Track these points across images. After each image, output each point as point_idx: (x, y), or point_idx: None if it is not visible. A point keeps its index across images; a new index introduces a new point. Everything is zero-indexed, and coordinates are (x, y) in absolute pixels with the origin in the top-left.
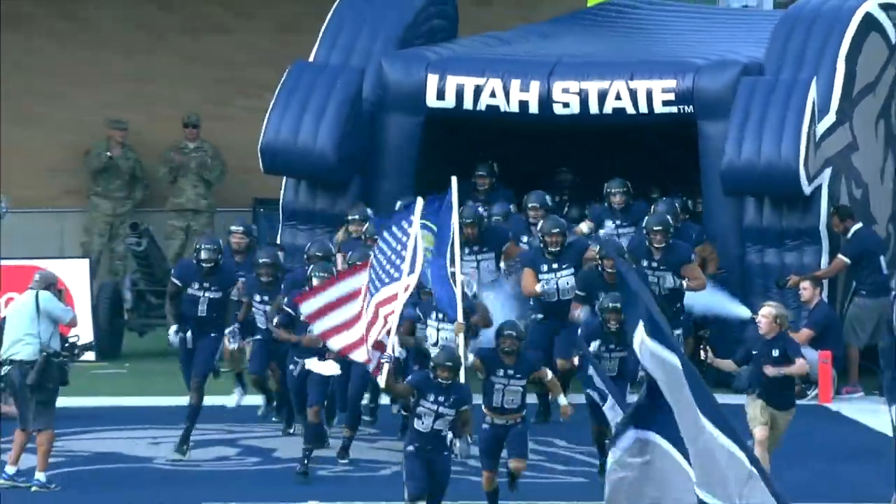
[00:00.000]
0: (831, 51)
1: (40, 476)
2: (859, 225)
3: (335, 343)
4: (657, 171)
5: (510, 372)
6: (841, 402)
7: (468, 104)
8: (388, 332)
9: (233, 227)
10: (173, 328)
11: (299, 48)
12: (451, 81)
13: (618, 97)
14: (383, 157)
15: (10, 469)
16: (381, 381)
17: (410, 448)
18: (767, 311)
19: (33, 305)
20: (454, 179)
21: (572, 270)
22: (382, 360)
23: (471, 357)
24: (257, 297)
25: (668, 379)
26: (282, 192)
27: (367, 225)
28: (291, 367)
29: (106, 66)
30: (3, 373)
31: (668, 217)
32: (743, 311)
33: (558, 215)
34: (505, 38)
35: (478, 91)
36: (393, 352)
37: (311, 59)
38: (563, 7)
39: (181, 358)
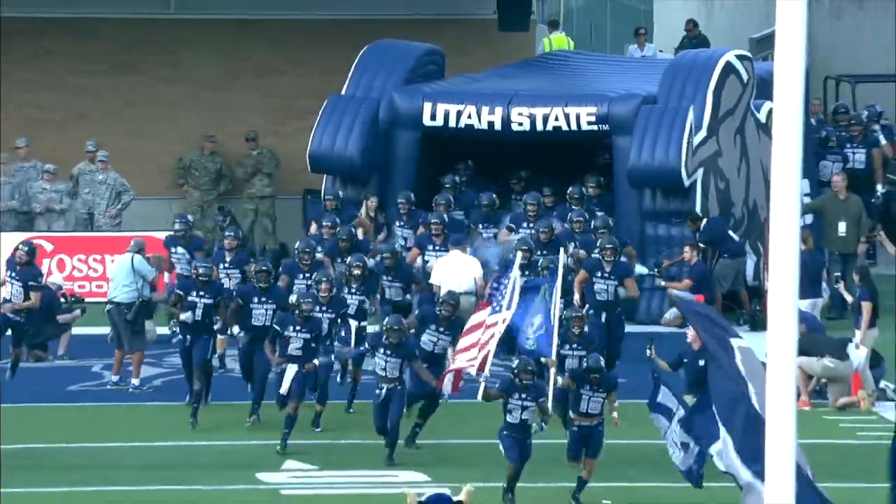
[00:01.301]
0: (703, 87)
1: (135, 381)
2: (705, 220)
3: (457, 361)
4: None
5: (594, 387)
6: None
7: (452, 123)
8: (488, 355)
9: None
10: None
11: (334, 85)
12: (440, 107)
13: (556, 119)
14: (393, 160)
15: (114, 377)
16: (446, 389)
17: (505, 432)
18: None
19: (129, 264)
20: (563, 252)
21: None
22: (481, 380)
23: (560, 380)
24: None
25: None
26: (323, 184)
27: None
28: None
29: (198, 98)
30: (107, 309)
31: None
32: (641, 269)
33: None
34: (477, 77)
35: (458, 114)
36: (487, 373)
37: (343, 92)
38: (518, 57)
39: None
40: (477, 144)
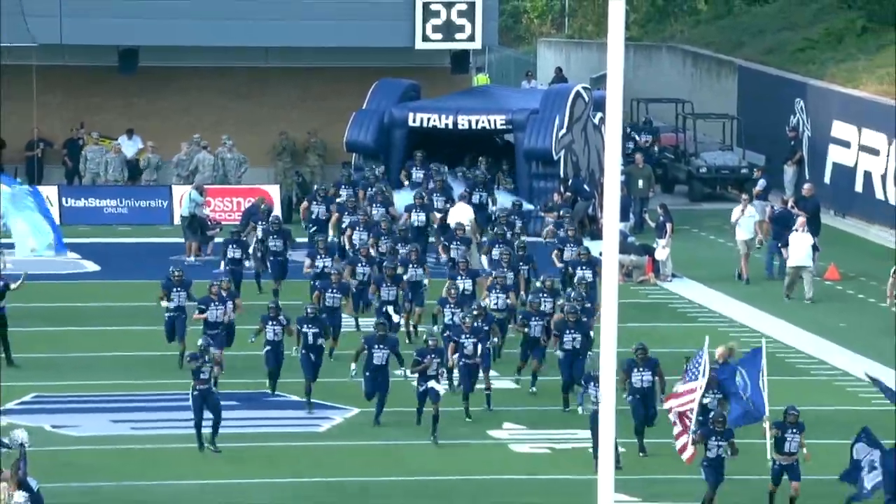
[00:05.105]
0: (564, 104)
1: (190, 258)
2: (570, 180)
3: (670, 403)
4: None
5: (794, 431)
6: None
7: (425, 125)
8: (691, 411)
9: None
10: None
11: (359, 104)
12: (419, 116)
13: (483, 122)
14: (392, 146)
15: (188, 258)
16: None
17: (705, 464)
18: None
19: (188, 196)
20: (762, 343)
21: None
22: (692, 435)
23: (769, 429)
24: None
25: None
26: (353, 159)
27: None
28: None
29: (282, 112)
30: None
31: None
32: (528, 205)
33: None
34: (439, 99)
35: (429, 119)
36: (694, 426)
37: (364, 107)
38: (461, 88)
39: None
40: (437, 137)
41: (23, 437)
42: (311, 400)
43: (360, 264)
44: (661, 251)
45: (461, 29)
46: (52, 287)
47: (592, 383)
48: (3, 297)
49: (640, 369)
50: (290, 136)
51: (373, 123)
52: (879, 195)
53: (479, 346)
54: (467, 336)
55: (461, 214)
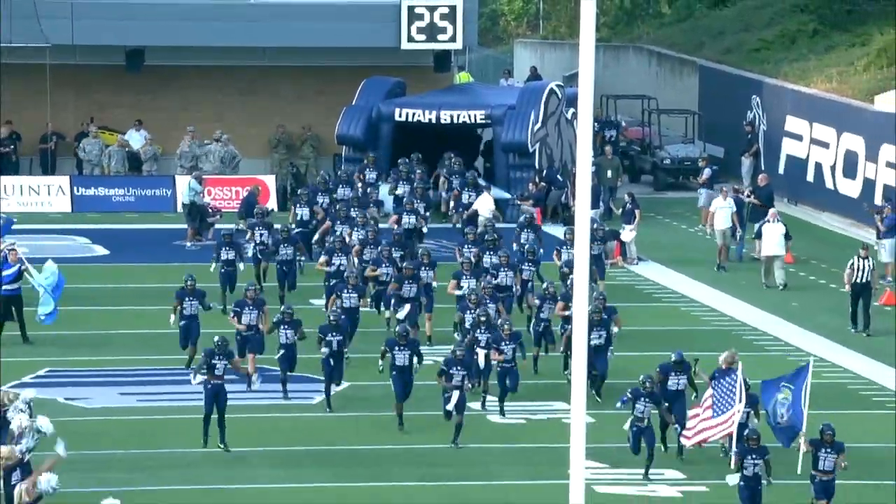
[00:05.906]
0: (538, 101)
1: (188, 243)
2: (545, 171)
3: (694, 432)
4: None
5: (829, 450)
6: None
7: (410, 119)
8: (728, 434)
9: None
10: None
11: (350, 100)
12: (404, 111)
13: (465, 117)
14: (380, 139)
15: (188, 243)
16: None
17: (741, 483)
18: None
19: (188, 185)
20: (810, 361)
21: None
22: (731, 454)
23: (804, 444)
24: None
25: None
26: (343, 151)
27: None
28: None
29: (279, 107)
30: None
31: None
32: (506, 194)
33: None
34: (423, 96)
35: (413, 114)
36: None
37: (353, 103)
38: (444, 85)
39: None
40: (422, 131)
41: (47, 427)
42: (327, 398)
43: (382, 265)
44: (628, 234)
45: (443, 31)
46: (64, 270)
47: (642, 398)
48: (19, 280)
49: (677, 374)
50: (286, 130)
51: (362, 118)
52: (829, 185)
53: (518, 351)
54: (507, 343)
55: (483, 205)
